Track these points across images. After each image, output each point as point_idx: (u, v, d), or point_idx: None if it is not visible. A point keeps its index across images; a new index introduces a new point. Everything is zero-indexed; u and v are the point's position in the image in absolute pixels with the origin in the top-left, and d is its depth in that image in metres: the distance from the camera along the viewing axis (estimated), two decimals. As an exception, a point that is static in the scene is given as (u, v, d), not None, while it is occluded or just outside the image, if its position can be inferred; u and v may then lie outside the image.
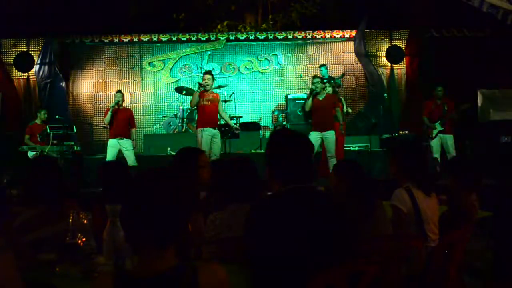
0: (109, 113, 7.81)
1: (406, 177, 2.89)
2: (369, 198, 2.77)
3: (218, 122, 7.65)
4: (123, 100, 8.06)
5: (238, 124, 9.29)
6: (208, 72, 7.59)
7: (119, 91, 8.12)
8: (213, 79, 7.51)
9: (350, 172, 2.87)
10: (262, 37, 11.43)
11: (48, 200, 2.66)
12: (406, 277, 2.46)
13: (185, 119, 10.14)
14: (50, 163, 2.95)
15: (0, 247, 1.62)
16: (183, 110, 10.24)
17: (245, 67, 11.43)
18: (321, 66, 10.12)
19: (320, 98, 7.61)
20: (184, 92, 10.27)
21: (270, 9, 12.42)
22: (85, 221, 2.22)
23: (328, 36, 11.40)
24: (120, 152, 7.92)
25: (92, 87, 11.38)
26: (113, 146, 7.88)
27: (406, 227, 2.77)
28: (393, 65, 11.14)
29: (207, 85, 7.22)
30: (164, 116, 10.81)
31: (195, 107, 7.53)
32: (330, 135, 7.51)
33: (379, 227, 2.69)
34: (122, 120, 7.92)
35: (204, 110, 7.26)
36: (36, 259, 2.18)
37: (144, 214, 1.41)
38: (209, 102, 7.24)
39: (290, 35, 11.40)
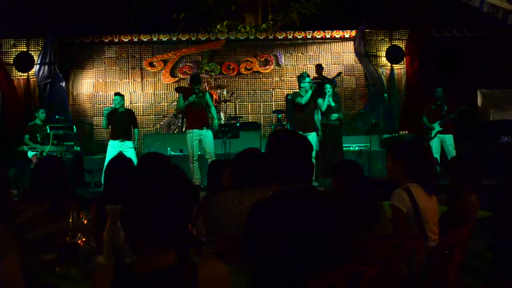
0: (104, 119, 7.82)
1: (411, 177, 2.87)
2: (369, 199, 2.76)
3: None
4: (122, 103, 8.01)
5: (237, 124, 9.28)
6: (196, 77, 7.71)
7: (117, 93, 8.10)
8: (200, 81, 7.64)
9: (349, 172, 2.87)
10: (262, 37, 11.43)
11: (53, 198, 2.67)
12: (406, 277, 2.46)
13: (185, 119, 10.13)
14: (58, 162, 2.97)
15: (7, 248, 1.62)
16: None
17: (245, 67, 11.43)
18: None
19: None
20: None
21: (270, 9, 12.40)
22: (85, 221, 2.22)
23: (328, 36, 11.40)
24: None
25: (92, 87, 11.38)
26: (113, 147, 7.86)
27: (406, 227, 2.77)
28: (393, 65, 11.14)
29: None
30: (164, 116, 10.81)
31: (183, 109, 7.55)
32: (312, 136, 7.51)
33: (380, 228, 2.68)
34: (123, 121, 7.90)
35: (190, 111, 7.31)
36: (36, 259, 2.18)
37: (145, 213, 1.41)
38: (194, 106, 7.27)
39: (290, 35, 11.41)
